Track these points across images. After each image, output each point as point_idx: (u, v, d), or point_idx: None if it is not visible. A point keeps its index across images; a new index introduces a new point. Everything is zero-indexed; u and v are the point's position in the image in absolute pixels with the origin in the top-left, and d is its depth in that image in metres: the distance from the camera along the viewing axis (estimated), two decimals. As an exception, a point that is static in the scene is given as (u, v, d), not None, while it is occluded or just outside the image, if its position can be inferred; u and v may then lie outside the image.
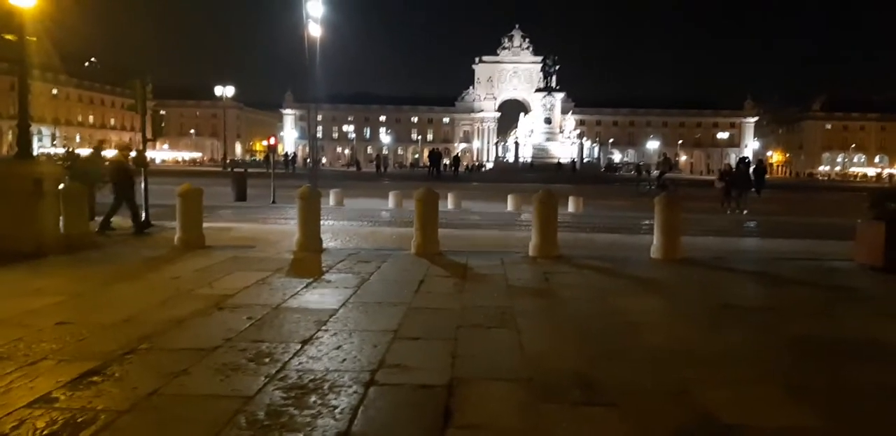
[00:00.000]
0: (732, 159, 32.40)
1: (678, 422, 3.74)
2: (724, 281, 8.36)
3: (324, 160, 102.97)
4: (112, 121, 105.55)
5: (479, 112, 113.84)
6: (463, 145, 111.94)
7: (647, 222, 14.64)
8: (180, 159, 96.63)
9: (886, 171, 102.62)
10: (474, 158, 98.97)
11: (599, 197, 26.25)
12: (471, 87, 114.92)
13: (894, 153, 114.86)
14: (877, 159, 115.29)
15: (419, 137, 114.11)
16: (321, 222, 10.32)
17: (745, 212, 19.86)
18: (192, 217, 10.21)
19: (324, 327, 5.50)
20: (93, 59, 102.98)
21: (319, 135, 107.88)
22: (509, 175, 45.72)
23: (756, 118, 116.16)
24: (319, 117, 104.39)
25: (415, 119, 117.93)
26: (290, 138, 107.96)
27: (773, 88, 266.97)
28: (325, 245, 10.09)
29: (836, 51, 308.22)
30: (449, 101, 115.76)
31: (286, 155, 63.85)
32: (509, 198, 20.89)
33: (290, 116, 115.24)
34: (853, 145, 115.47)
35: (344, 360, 4.65)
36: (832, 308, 6.92)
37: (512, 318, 5.97)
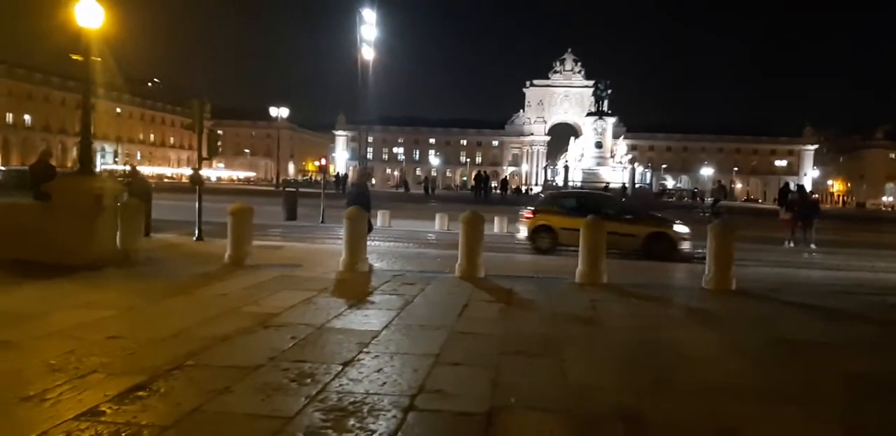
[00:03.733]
0: (791, 187, 31.41)
1: (728, 463, 3.58)
2: (778, 314, 8.04)
3: (373, 181, 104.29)
4: (171, 139, 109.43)
5: (528, 135, 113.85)
6: (511, 169, 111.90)
7: (699, 251, 14.27)
8: (235, 178, 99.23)
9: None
10: (523, 182, 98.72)
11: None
12: (521, 111, 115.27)
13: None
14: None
15: (467, 160, 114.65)
16: (368, 243, 10.40)
17: (812, 245, 18.94)
18: (242, 235, 10.41)
19: (366, 349, 5.49)
20: (156, 79, 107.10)
21: (370, 156, 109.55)
22: (557, 200, 45.27)
23: (816, 146, 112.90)
24: (370, 139, 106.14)
25: (464, 142, 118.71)
26: (341, 159, 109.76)
27: (834, 117, 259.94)
28: (370, 266, 10.14)
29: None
30: (498, 124, 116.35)
31: (337, 175, 64.82)
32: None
33: (341, 137, 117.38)
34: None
35: (384, 383, 4.62)
36: (894, 345, 6.58)
37: (556, 346, 5.86)
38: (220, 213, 13.42)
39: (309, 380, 4.61)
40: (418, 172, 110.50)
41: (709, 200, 47.08)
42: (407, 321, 6.63)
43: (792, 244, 19.17)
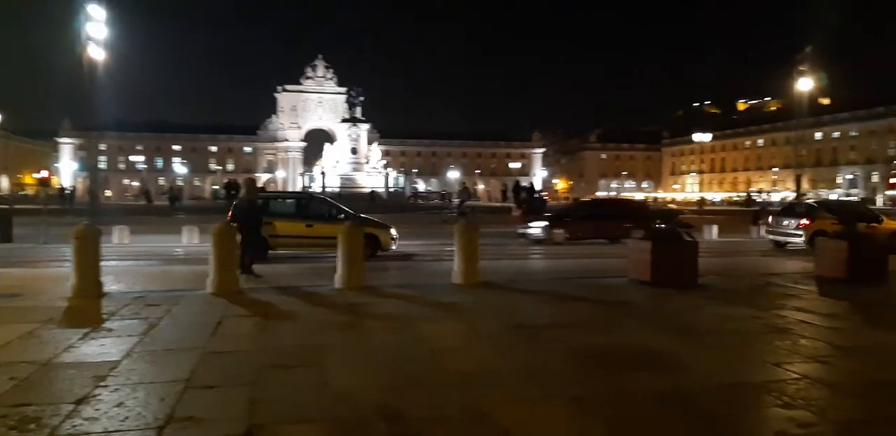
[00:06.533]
0: (524, 185, 35.64)
1: (478, 446, 3.87)
2: (518, 302, 8.88)
3: (108, 193, 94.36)
4: None
5: (283, 141, 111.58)
6: (267, 175, 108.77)
7: (448, 249, 15.21)
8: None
9: (652, 195, 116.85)
10: (278, 189, 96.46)
11: (406, 225, 26.78)
12: (273, 116, 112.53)
13: (659, 179, 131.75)
14: (644, 184, 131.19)
15: (219, 168, 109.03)
16: (102, 264, 9.34)
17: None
18: (-62, 264, 8.74)
19: (103, 383, 4.94)
20: None
21: (104, 166, 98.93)
22: (315, 206, 45.00)
23: (543, 149, 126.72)
24: (103, 147, 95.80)
25: (214, 148, 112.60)
26: (67, 170, 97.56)
27: (558, 121, 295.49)
28: (106, 289, 9.12)
29: (609, 88, 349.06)
30: (251, 130, 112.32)
31: (62, 189, 57.38)
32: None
33: (67, 145, 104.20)
34: (624, 173, 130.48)
35: (126, 418, 4.20)
36: (610, 321, 7.63)
37: (317, 355, 5.82)
38: None
39: (34, 425, 4.03)
40: (162, 181, 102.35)
41: (456, 200, 50.39)
42: (151, 347, 6.10)
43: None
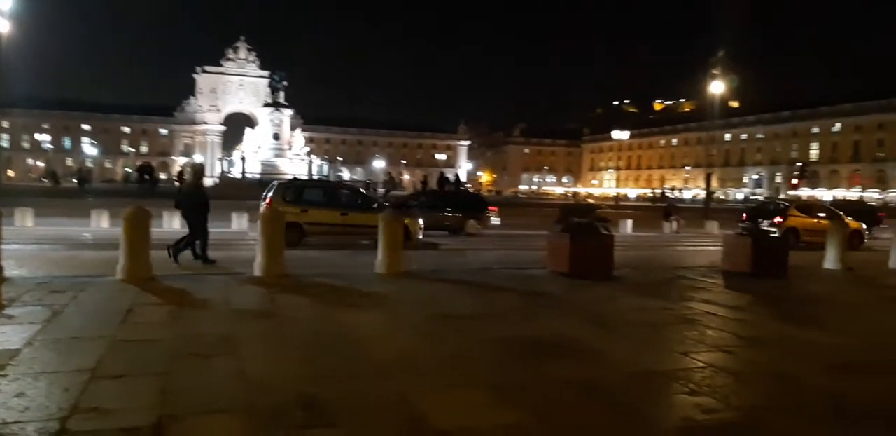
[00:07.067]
0: (449, 177, 35.86)
1: (395, 433, 3.87)
2: (440, 291, 8.93)
3: (10, 174, 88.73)
4: None
5: (201, 124, 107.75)
6: (183, 159, 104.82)
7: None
8: None
9: (572, 189, 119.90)
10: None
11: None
12: (192, 98, 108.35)
13: (579, 174, 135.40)
14: (565, 179, 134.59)
15: (132, 150, 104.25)
16: (3, 247, 8.76)
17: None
18: None
19: (2, 372, 4.64)
20: None
21: (6, 144, 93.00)
22: (235, 192, 43.73)
23: (468, 142, 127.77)
24: (6, 124, 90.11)
25: (127, 129, 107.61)
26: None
27: (484, 114, 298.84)
28: (7, 274, 8.55)
29: (533, 84, 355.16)
30: (167, 111, 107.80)
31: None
32: (234, 216, 20.02)
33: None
34: (546, 167, 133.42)
35: (27, 408, 3.96)
36: (531, 311, 7.79)
37: (234, 344, 5.67)
38: None
39: (-79, 419, 3.75)
40: (70, 162, 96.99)
41: (381, 190, 50.16)
42: (55, 335, 5.77)
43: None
